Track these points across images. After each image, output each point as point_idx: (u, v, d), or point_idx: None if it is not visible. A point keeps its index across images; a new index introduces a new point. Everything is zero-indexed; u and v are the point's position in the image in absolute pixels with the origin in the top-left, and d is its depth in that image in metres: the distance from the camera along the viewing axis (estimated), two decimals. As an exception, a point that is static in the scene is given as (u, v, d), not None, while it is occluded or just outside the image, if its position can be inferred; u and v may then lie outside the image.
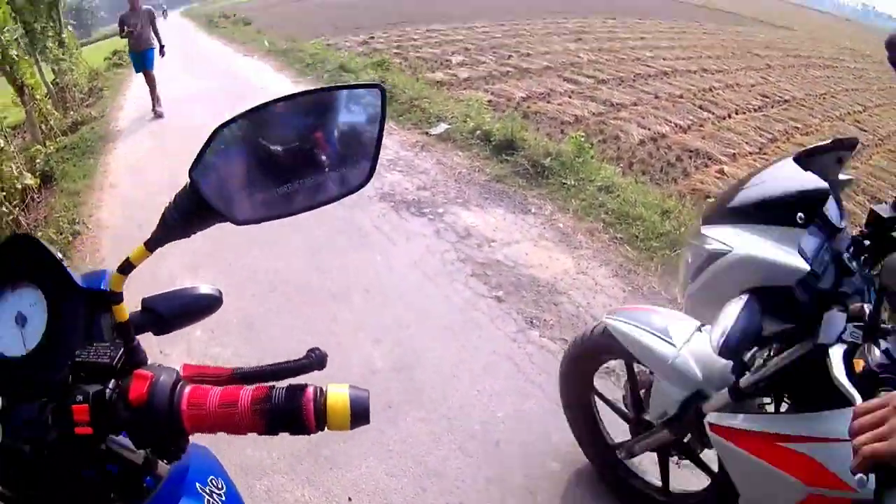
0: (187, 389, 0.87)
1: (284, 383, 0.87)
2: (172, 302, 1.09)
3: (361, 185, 0.90)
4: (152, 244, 0.90)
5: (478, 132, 7.22)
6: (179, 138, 4.20)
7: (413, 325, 3.81)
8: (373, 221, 5.24)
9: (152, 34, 10.28)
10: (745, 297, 1.52)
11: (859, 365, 1.38)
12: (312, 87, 0.95)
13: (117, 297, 0.94)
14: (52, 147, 9.91)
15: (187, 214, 0.87)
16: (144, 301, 1.05)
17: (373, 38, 18.58)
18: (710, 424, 1.77)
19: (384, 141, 0.88)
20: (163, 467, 1.04)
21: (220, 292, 1.13)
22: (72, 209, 6.87)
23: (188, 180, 0.85)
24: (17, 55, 9.91)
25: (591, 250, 4.69)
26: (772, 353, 1.63)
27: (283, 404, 0.83)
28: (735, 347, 1.47)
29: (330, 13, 25.88)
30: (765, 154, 9.67)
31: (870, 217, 1.66)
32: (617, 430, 2.58)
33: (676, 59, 17.43)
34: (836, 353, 1.42)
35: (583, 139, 6.92)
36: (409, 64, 13.89)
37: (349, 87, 0.92)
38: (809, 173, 1.61)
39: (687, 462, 2.30)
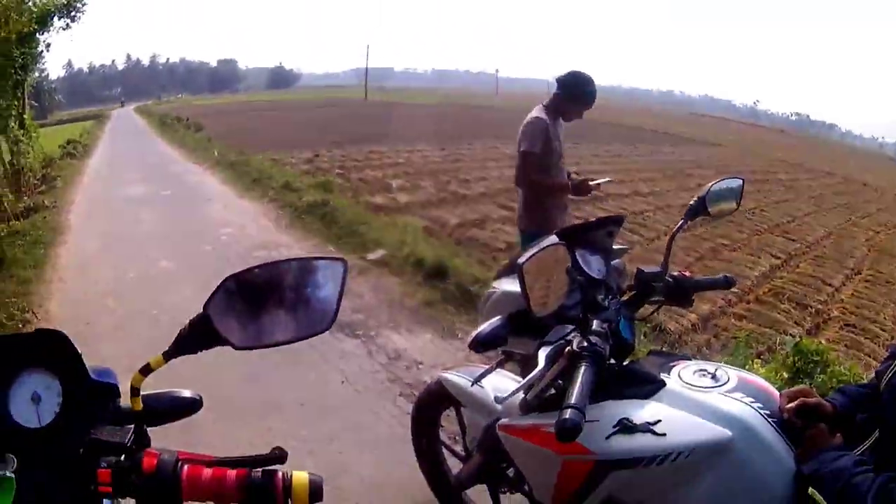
0: (186, 467, 1.13)
1: (258, 470, 1.14)
2: (164, 401, 1.31)
3: (325, 329, 1.22)
4: (168, 355, 1.18)
5: (412, 258, 7.55)
6: (127, 241, 4.41)
7: (344, 439, 4.06)
8: (309, 341, 5.40)
9: None
10: (499, 316, 2.07)
11: (567, 351, 1.91)
12: (293, 256, 1.36)
13: (136, 391, 1.20)
14: (3, 230, 9.93)
15: (199, 337, 1.17)
16: (143, 398, 1.24)
17: (318, 156, 18.98)
18: (500, 426, 2.23)
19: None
20: None
21: (201, 396, 1.35)
22: (21, 297, 6.94)
23: (200, 310, 1.15)
24: None
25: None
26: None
27: (260, 482, 1.11)
28: (482, 342, 2.04)
29: (279, 128, 26.15)
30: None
31: (637, 273, 2.39)
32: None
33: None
34: (543, 350, 1.96)
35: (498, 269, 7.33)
36: (350, 185, 14.21)
37: (320, 259, 1.26)
38: (553, 236, 2.16)
39: (517, 497, 2.74)
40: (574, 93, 4.78)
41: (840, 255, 14.19)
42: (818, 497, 1.71)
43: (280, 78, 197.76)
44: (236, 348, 1.19)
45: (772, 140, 64.90)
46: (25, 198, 13.31)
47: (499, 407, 2.27)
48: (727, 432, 1.78)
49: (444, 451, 3.20)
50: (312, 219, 10.32)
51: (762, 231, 15.09)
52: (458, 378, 2.70)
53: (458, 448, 3.08)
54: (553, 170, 4.87)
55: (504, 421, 2.23)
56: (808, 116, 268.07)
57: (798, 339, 5.67)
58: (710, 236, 12.85)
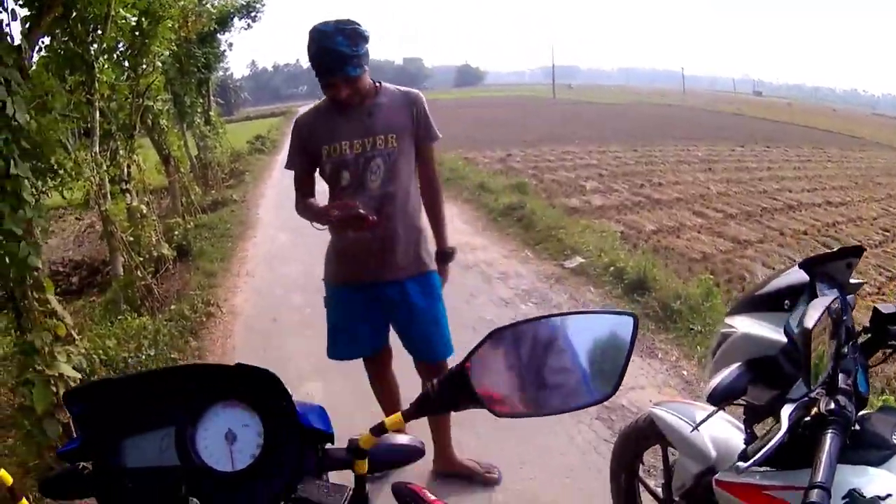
0: None
1: None
2: (381, 449, 1.15)
3: (606, 397, 1.03)
4: (408, 416, 1.04)
5: (611, 269, 7.25)
6: (317, 236, 4.42)
7: (534, 463, 3.87)
8: None
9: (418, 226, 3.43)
10: (738, 364, 1.84)
11: (811, 413, 1.66)
12: (574, 309, 1.12)
13: (362, 454, 1.07)
14: (191, 223, 10.46)
15: (450, 397, 1.02)
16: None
17: (510, 155, 18.98)
18: (716, 481, 1.98)
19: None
20: None
21: (423, 444, 1.20)
22: (206, 289, 7.17)
23: (457, 365, 1.00)
24: (166, 125, 10.48)
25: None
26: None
27: None
28: (720, 395, 1.80)
29: (468, 125, 26.51)
30: (883, 294, 9.31)
31: (873, 314, 1.98)
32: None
33: (802, 192, 17.12)
34: (787, 408, 1.68)
35: (711, 282, 6.94)
36: (544, 187, 14.11)
37: (605, 313, 1.07)
38: (796, 268, 1.93)
39: None
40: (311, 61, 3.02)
41: None
42: None
43: (466, 76, 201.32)
44: (497, 415, 1.03)
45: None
46: (213, 192, 14.02)
47: (714, 456, 2.18)
48: None
49: (642, 489, 2.99)
50: (508, 221, 10.14)
51: None
52: (671, 417, 2.49)
53: (659, 490, 2.82)
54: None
55: (721, 475, 2.00)
56: None
57: None
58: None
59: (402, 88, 3.25)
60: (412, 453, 1.19)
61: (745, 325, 2.08)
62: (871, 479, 1.66)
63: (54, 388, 3.76)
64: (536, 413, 1.03)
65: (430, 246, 3.34)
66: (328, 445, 1.16)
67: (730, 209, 13.72)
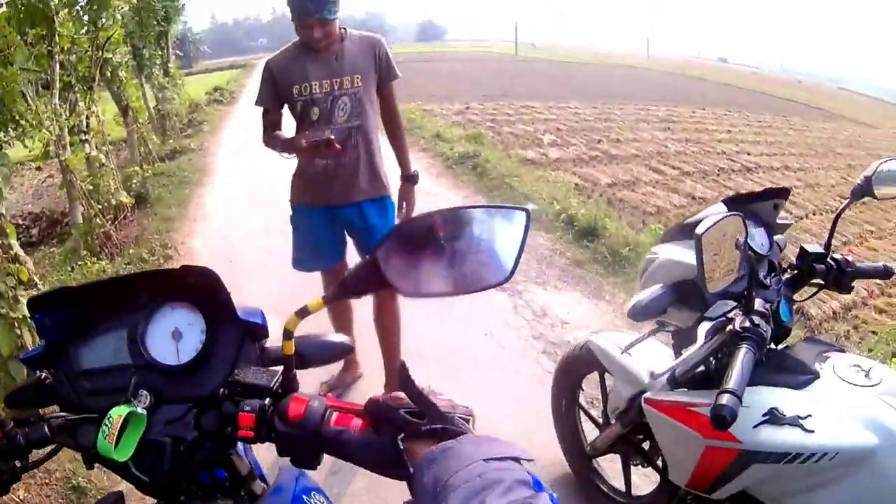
0: (335, 416, 1.09)
1: None
2: (313, 345, 1.29)
3: (501, 282, 1.09)
4: (328, 299, 1.11)
5: (563, 216, 7.36)
6: (274, 183, 4.47)
7: (482, 392, 3.97)
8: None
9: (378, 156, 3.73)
10: (659, 285, 2.07)
11: (728, 330, 1.83)
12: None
13: (289, 334, 1.13)
14: (149, 171, 10.34)
15: (364, 281, 1.09)
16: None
17: (468, 108, 18.84)
18: (645, 399, 2.18)
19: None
20: (258, 484, 1.30)
21: (352, 341, 1.36)
22: (164, 234, 7.21)
23: (369, 254, 1.07)
24: (125, 77, 10.32)
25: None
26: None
27: None
28: (639, 312, 2.05)
29: (429, 79, 26.18)
30: None
31: (800, 252, 2.22)
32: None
33: (760, 155, 17.30)
34: (704, 326, 1.95)
35: (661, 232, 7.09)
36: (501, 139, 14.06)
37: (502, 207, 1.13)
38: (720, 204, 2.14)
39: (647, 471, 2.83)
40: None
41: None
42: None
43: (429, 31, 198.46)
44: (404, 295, 1.13)
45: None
46: (171, 141, 13.91)
47: (646, 379, 2.29)
48: (873, 439, 1.71)
49: (582, 415, 3.17)
50: (463, 170, 10.20)
51: (914, 220, 14.16)
52: (607, 344, 2.65)
53: (596, 414, 3.03)
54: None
55: (650, 394, 2.19)
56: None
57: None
58: (857, 220, 12.11)
59: (366, 33, 3.55)
60: (339, 348, 1.33)
61: (668, 251, 2.26)
62: (792, 401, 1.83)
63: (18, 332, 3.77)
64: (439, 293, 1.10)
65: (387, 173, 3.67)
66: (266, 343, 1.26)
67: (686, 167, 13.84)
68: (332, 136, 3.11)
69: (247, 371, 1.15)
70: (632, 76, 38.43)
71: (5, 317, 3.74)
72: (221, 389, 1.13)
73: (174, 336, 1.19)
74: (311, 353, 1.27)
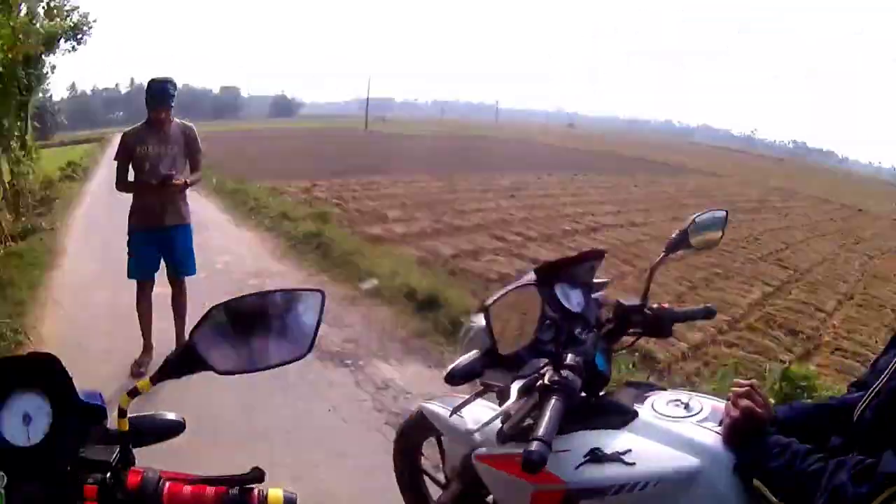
0: (168, 484, 1.24)
1: (235, 488, 1.24)
2: (149, 423, 1.38)
3: (303, 355, 1.28)
4: (155, 379, 1.24)
5: (404, 289, 7.58)
6: (124, 266, 4.59)
7: (328, 466, 4.09)
8: (297, 368, 5.42)
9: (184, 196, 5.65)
10: (475, 351, 2.06)
11: (538, 385, 1.94)
12: (271, 288, 1.43)
13: (123, 413, 1.26)
14: (1, 251, 10.06)
15: (184, 363, 1.24)
16: (130, 420, 1.30)
17: (315, 185, 19.00)
18: (476, 455, 2.26)
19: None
20: None
21: (184, 420, 1.42)
22: (15, 317, 6.99)
23: (187, 339, 1.23)
24: None
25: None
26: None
27: (238, 499, 1.22)
28: (456, 375, 2.03)
29: (278, 156, 26.16)
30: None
31: (616, 306, 2.38)
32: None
33: (605, 215, 18.03)
34: (516, 384, 2.04)
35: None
36: (347, 216, 14.27)
37: (301, 290, 1.32)
38: (530, 273, 2.28)
39: None
40: (146, 98, 5.36)
41: (833, 280, 14.28)
42: (765, 490, 1.76)
43: (282, 107, 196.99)
44: (219, 373, 1.26)
45: (770, 168, 65.78)
46: (24, 219, 13.38)
47: (477, 437, 2.30)
48: (695, 461, 1.82)
49: (427, 479, 3.23)
50: (307, 248, 10.40)
51: (756, 259, 15.11)
52: (437, 408, 2.71)
53: (440, 476, 3.09)
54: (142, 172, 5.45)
55: (480, 451, 2.27)
56: (805, 144, 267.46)
57: (786, 364, 5.69)
58: (704, 265, 12.86)
59: (185, 122, 5.64)
60: (173, 426, 1.41)
61: (483, 319, 2.50)
62: (612, 439, 1.96)
63: None
64: (249, 369, 1.28)
65: (188, 208, 5.69)
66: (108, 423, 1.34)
67: (530, 233, 14.32)
68: (166, 176, 5.24)
69: (90, 450, 1.26)
70: (479, 146, 39.31)
71: None
72: (68, 467, 1.24)
73: (24, 420, 1.25)
74: (147, 430, 1.37)
